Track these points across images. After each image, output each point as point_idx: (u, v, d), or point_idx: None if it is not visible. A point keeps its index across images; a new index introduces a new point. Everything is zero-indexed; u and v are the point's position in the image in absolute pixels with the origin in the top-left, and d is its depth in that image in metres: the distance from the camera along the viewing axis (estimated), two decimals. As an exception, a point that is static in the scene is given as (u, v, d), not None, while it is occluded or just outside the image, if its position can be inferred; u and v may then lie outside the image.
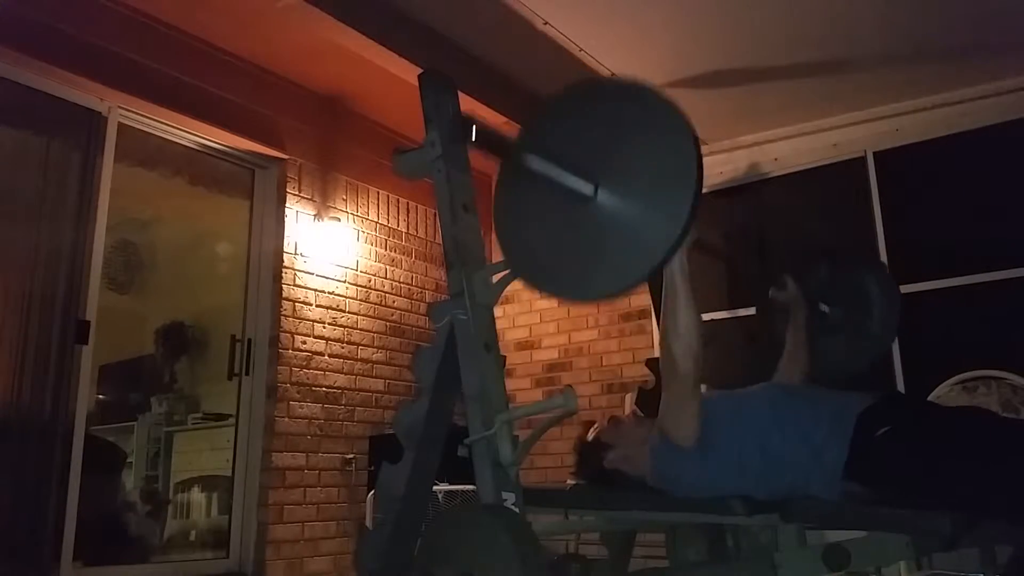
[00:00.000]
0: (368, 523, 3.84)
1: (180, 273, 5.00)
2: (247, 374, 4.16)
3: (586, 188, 1.44)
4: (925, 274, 4.16)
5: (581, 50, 3.83)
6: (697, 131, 1.40)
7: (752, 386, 2.07)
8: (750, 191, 4.85)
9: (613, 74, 4.05)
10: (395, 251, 4.97)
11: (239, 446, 4.10)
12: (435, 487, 3.61)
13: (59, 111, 3.52)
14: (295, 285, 4.29)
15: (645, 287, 3.97)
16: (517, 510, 1.55)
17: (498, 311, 1.77)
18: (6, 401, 3.21)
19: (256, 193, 4.40)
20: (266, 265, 4.27)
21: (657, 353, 1.90)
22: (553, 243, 1.52)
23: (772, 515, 1.78)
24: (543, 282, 1.57)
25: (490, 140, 1.48)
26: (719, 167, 4.90)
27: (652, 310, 4.77)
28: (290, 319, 4.22)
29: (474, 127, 1.38)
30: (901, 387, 4.11)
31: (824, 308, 2.43)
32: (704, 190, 4.92)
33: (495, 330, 1.73)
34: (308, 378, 4.26)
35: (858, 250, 2.77)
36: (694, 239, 1.70)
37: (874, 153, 4.43)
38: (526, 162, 1.44)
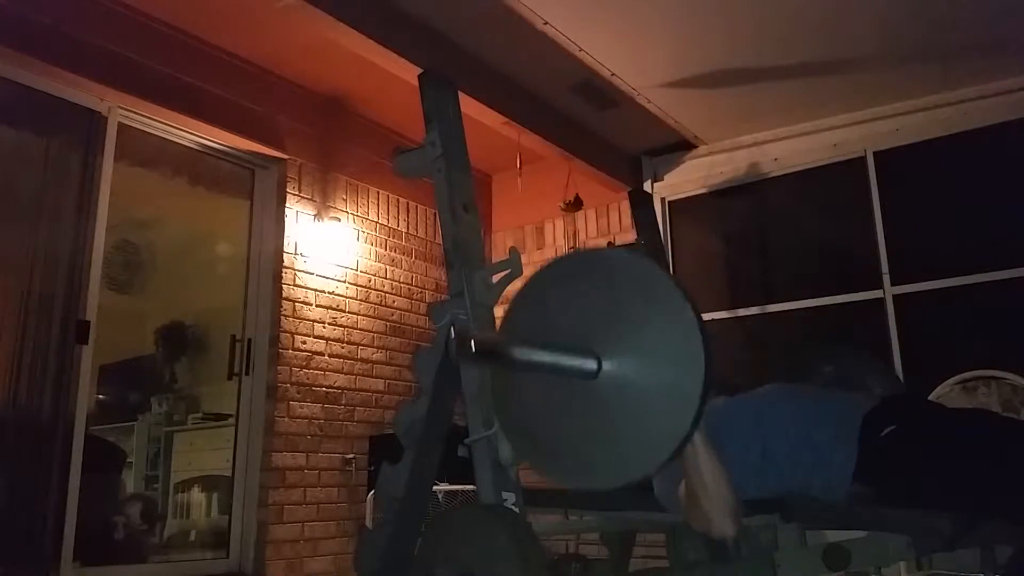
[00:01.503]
0: (368, 523, 3.84)
1: (180, 273, 5.01)
2: (247, 374, 4.16)
3: (588, 365, 1.33)
4: (925, 274, 4.15)
5: (581, 50, 3.83)
6: (694, 303, 1.28)
7: (757, 388, 2.07)
8: (750, 191, 4.84)
9: (613, 74, 4.05)
10: (395, 251, 4.97)
11: (239, 446, 4.10)
12: (435, 487, 3.61)
13: (59, 111, 3.52)
14: (295, 285, 4.29)
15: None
16: (517, 510, 1.55)
17: (498, 311, 1.76)
18: (6, 401, 3.21)
19: (256, 193, 4.40)
20: (266, 265, 4.27)
21: None
22: (560, 426, 1.40)
23: (772, 515, 1.78)
24: (554, 471, 1.44)
25: (490, 351, 1.38)
26: (719, 167, 4.90)
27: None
28: (290, 319, 4.22)
29: (472, 342, 1.29)
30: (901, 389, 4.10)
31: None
32: (704, 190, 4.94)
33: (495, 330, 1.73)
34: (308, 378, 4.26)
35: (859, 351, 2.76)
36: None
37: (874, 153, 4.43)
38: (520, 358, 1.34)
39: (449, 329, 1.74)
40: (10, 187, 3.44)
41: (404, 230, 5.06)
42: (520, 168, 4.46)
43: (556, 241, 5.42)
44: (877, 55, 3.91)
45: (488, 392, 1.62)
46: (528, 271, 1.57)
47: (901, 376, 4.12)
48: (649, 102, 4.37)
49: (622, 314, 1.36)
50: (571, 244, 5.20)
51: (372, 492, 3.87)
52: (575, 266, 1.51)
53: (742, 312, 4.70)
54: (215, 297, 4.82)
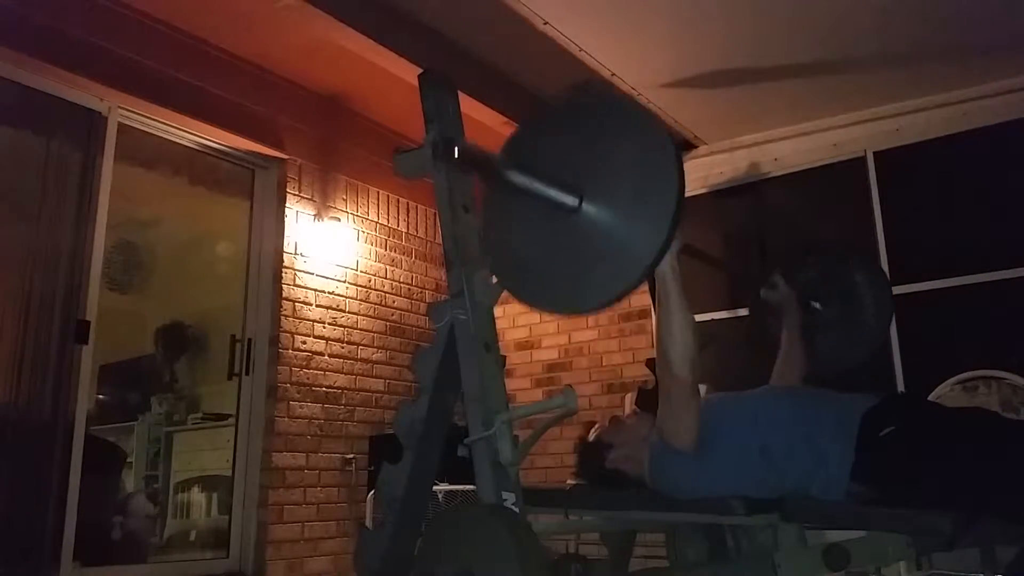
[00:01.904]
0: (368, 523, 3.84)
1: (180, 273, 5.00)
2: (247, 374, 4.16)
3: (570, 200, 1.45)
4: (925, 274, 4.15)
5: (581, 50, 3.83)
6: (674, 137, 1.42)
7: (754, 389, 2.07)
8: (750, 191, 4.85)
9: (613, 74, 4.06)
10: (395, 251, 4.97)
11: (239, 446, 4.10)
12: (435, 487, 3.61)
13: (59, 111, 3.52)
14: (295, 285, 4.29)
15: (645, 287, 3.97)
16: (517, 510, 1.55)
17: (498, 311, 1.76)
18: (6, 401, 3.21)
19: (256, 193, 4.40)
20: (266, 265, 4.28)
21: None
22: (541, 257, 1.53)
23: (772, 515, 1.78)
24: (534, 297, 1.58)
25: (473, 158, 1.49)
26: (719, 167, 4.90)
27: (652, 310, 4.77)
28: (290, 319, 4.22)
29: (456, 147, 1.39)
30: (901, 387, 4.10)
31: (816, 305, 2.43)
32: (704, 190, 4.93)
33: (495, 330, 1.73)
34: (308, 378, 4.26)
35: (846, 245, 2.77)
36: (681, 245, 1.69)
37: (874, 153, 4.43)
38: (509, 178, 1.44)
39: (450, 330, 1.73)
40: (10, 187, 3.44)
41: (404, 230, 5.06)
42: (520, 168, 4.45)
43: (556, 241, 5.41)
44: (877, 55, 3.91)
45: (488, 392, 1.62)
46: (528, 271, 1.61)
47: (901, 376, 4.12)
48: (649, 102, 4.37)
49: (604, 153, 1.47)
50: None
51: (372, 492, 3.88)
52: (553, 115, 1.64)
53: (742, 312, 4.69)
54: (215, 297, 4.82)
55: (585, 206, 1.44)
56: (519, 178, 1.45)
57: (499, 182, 1.48)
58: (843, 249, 2.70)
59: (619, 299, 1.45)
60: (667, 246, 1.36)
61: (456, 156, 1.41)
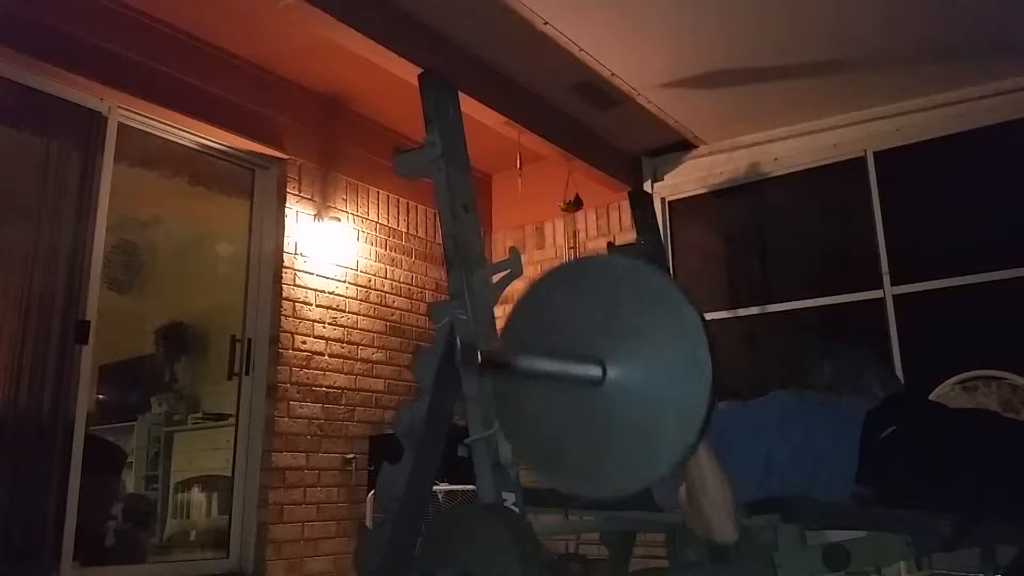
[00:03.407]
0: (368, 523, 3.84)
1: (180, 273, 5.01)
2: (247, 374, 4.16)
3: (593, 372, 1.32)
4: (925, 274, 4.15)
5: (581, 50, 3.83)
6: (705, 323, 1.26)
7: (761, 397, 2.06)
8: (750, 191, 4.85)
9: (613, 74, 4.05)
10: (395, 251, 4.97)
11: (239, 446, 4.10)
12: (435, 487, 3.61)
13: (59, 111, 3.52)
14: (295, 285, 4.29)
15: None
16: (517, 510, 1.55)
17: (498, 311, 1.76)
18: (6, 401, 3.21)
19: (256, 193, 4.40)
20: (266, 265, 4.27)
21: None
22: (565, 434, 1.39)
23: (772, 515, 1.78)
24: (558, 478, 1.44)
25: (496, 364, 1.38)
26: (719, 167, 4.90)
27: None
28: (290, 319, 4.22)
29: (479, 354, 1.29)
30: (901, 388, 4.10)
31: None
32: (704, 190, 4.93)
33: (495, 330, 1.73)
34: (308, 378, 4.26)
35: (860, 349, 2.76)
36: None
37: (874, 153, 4.43)
38: (534, 371, 1.32)
39: (450, 330, 1.74)
40: (10, 187, 3.44)
41: (404, 230, 5.06)
42: (520, 168, 4.46)
43: (556, 241, 5.42)
44: (877, 55, 3.91)
45: (489, 396, 1.62)
46: (528, 271, 1.58)
47: (901, 376, 4.12)
48: (649, 102, 4.37)
49: (626, 321, 1.35)
50: (571, 244, 5.20)
51: (372, 492, 3.88)
52: (577, 272, 1.50)
53: (742, 312, 4.70)
54: (215, 297, 4.82)
55: (609, 379, 1.32)
56: (543, 367, 1.32)
57: (520, 378, 1.36)
58: (856, 351, 2.69)
59: (652, 483, 1.35)
60: (699, 443, 1.25)
61: (480, 366, 1.30)
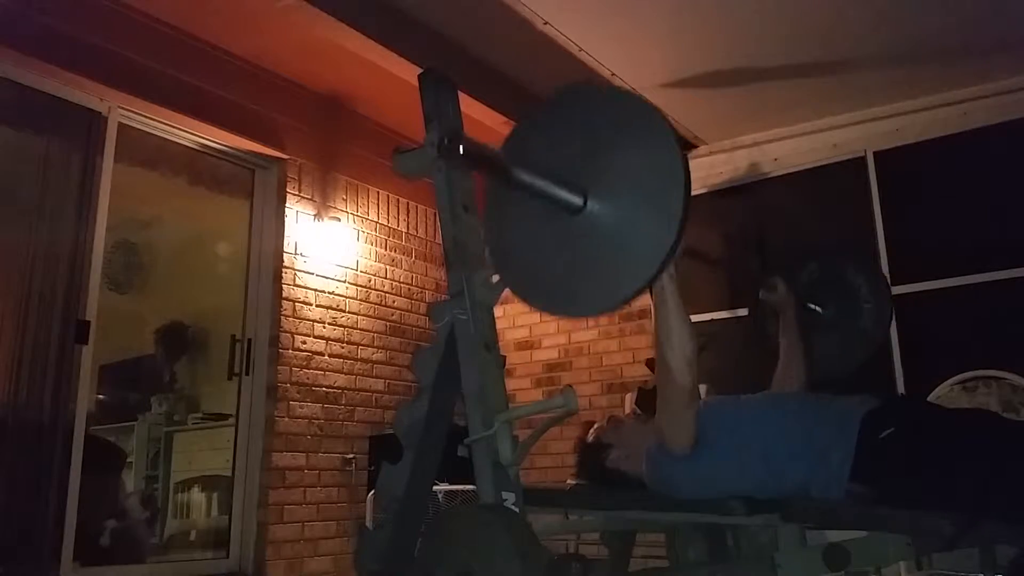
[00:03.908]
0: (368, 523, 3.84)
1: (180, 273, 5.00)
2: (247, 374, 4.16)
3: (575, 199, 1.41)
4: (925, 274, 4.15)
5: (581, 50, 3.83)
6: (679, 136, 1.38)
7: (755, 393, 2.07)
8: (750, 191, 4.85)
9: (613, 74, 4.05)
10: (395, 251, 4.97)
11: (239, 446, 4.10)
12: (435, 487, 3.61)
13: (59, 111, 3.52)
14: (295, 285, 4.29)
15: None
16: (517, 510, 1.55)
17: (498, 311, 1.76)
18: (6, 401, 3.21)
19: (256, 193, 4.40)
20: (266, 265, 4.27)
21: None
22: (544, 258, 1.49)
23: (772, 515, 1.78)
24: (536, 298, 1.54)
25: (479, 155, 1.45)
26: (719, 167, 4.90)
27: (652, 311, 4.77)
28: (290, 319, 4.22)
29: (461, 143, 1.35)
30: (901, 387, 4.10)
31: (814, 307, 2.43)
32: (704, 190, 4.93)
33: (495, 330, 1.72)
34: (308, 378, 4.26)
35: (845, 247, 2.77)
36: (684, 248, 1.66)
37: (874, 153, 4.43)
38: (515, 176, 1.41)
39: (450, 330, 1.73)
40: (10, 187, 3.44)
41: (404, 230, 5.06)
42: (520, 168, 4.45)
43: (556, 241, 5.41)
44: (877, 55, 3.91)
45: (488, 392, 1.62)
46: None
47: (901, 376, 4.12)
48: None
49: (606, 148, 1.43)
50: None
51: (372, 492, 3.88)
52: (560, 104, 1.58)
53: (742, 312, 4.69)
54: (215, 297, 4.82)
55: (590, 206, 1.41)
56: (525, 177, 1.41)
57: (505, 180, 1.45)
58: (843, 251, 2.71)
59: (623, 304, 1.44)
60: (674, 252, 1.33)
61: (461, 152, 1.38)
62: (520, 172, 1.41)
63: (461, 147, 1.35)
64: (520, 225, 1.53)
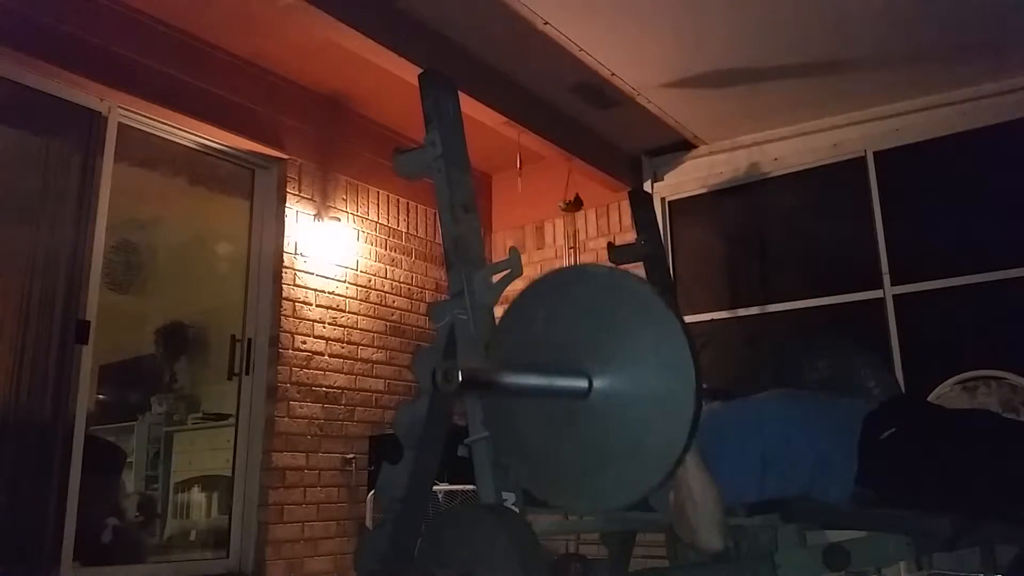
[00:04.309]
0: (368, 523, 3.85)
1: (180, 273, 5.00)
2: (247, 374, 4.16)
3: (579, 384, 1.32)
4: (925, 274, 4.15)
5: (581, 50, 3.83)
6: (686, 329, 1.27)
7: (757, 394, 2.07)
8: (750, 191, 4.85)
9: (613, 74, 4.05)
10: (395, 251, 4.97)
11: (239, 446, 4.10)
12: (435, 487, 3.61)
13: (59, 111, 3.51)
14: (295, 285, 4.29)
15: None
16: (517, 510, 1.55)
17: (498, 311, 1.76)
18: (6, 401, 3.21)
19: (256, 193, 4.40)
20: (266, 265, 4.27)
21: None
22: (555, 448, 1.40)
23: (772, 515, 1.78)
24: (552, 494, 1.46)
25: (478, 383, 1.37)
26: (719, 167, 4.90)
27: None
28: (290, 319, 4.22)
29: (459, 373, 1.28)
30: (901, 388, 4.10)
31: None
32: (704, 190, 4.93)
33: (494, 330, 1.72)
34: (308, 378, 4.26)
35: (854, 346, 2.77)
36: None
37: (874, 153, 4.43)
38: (515, 390, 1.34)
39: (450, 330, 1.73)
40: (10, 187, 3.44)
41: (404, 230, 5.06)
42: (520, 168, 4.46)
43: (556, 241, 5.42)
44: (877, 55, 3.91)
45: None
46: (528, 271, 1.57)
47: (901, 376, 4.12)
48: (649, 102, 4.37)
49: (609, 330, 1.35)
50: (571, 244, 5.20)
51: (372, 492, 3.88)
52: (558, 284, 1.51)
53: (742, 312, 4.70)
54: (215, 297, 4.82)
55: (596, 387, 1.32)
56: (525, 382, 1.34)
57: (507, 395, 1.38)
58: (854, 349, 2.69)
59: (643, 497, 1.35)
60: (690, 444, 1.25)
61: (461, 385, 1.30)
62: (519, 379, 1.33)
63: (460, 377, 1.27)
64: (525, 414, 1.44)
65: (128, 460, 4.59)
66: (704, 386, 1.25)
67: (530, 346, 1.40)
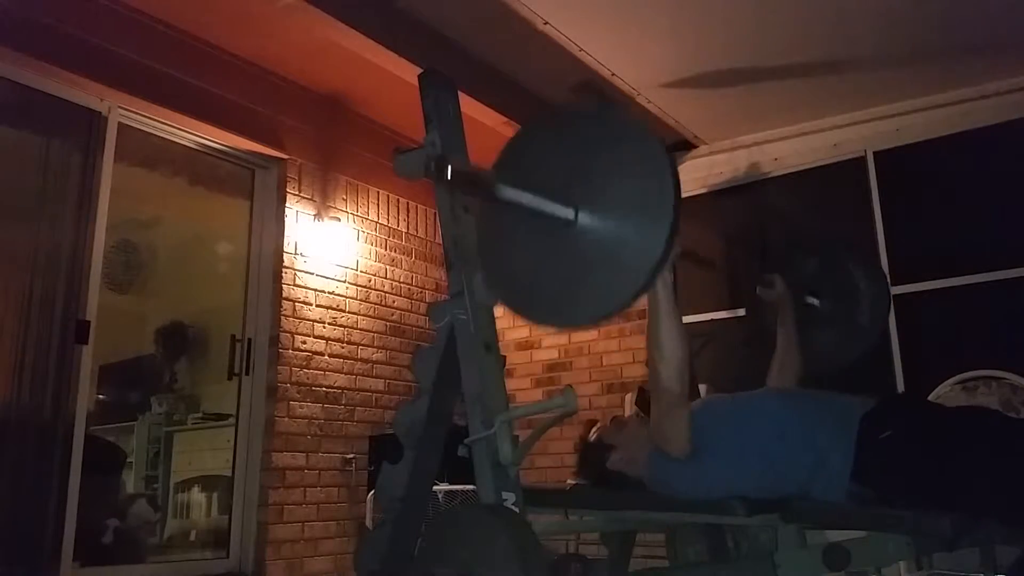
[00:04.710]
0: (368, 523, 3.85)
1: (180, 273, 5.01)
2: (247, 374, 4.16)
3: (565, 213, 1.41)
4: (925, 274, 4.15)
5: (581, 50, 3.83)
6: (666, 144, 1.38)
7: (753, 390, 2.07)
8: (750, 191, 4.85)
9: (613, 74, 4.06)
10: (395, 251, 4.97)
11: (239, 446, 4.10)
12: (435, 487, 3.61)
13: (59, 111, 3.52)
14: (295, 285, 4.29)
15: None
16: (517, 510, 1.55)
17: (498, 311, 1.76)
18: (6, 401, 3.21)
19: (256, 193, 4.40)
20: (266, 265, 4.27)
21: None
22: (537, 271, 1.50)
23: (772, 515, 1.78)
24: (529, 310, 1.54)
25: (466, 178, 1.45)
26: (719, 167, 4.90)
27: (652, 310, 4.76)
28: (290, 319, 4.22)
29: (449, 167, 1.35)
30: (901, 387, 4.10)
31: (812, 301, 2.44)
32: (704, 190, 4.92)
33: (495, 330, 1.73)
34: (308, 378, 4.26)
35: (844, 242, 2.78)
36: (679, 252, 1.66)
37: (874, 153, 4.43)
38: (504, 195, 1.41)
39: (450, 330, 1.73)
40: (10, 187, 3.44)
41: (404, 230, 5.06)
42: (520, 168, 4.45)
43: (556, 241, 5.41)
44: (877, 55, 3.91)
45: (488, 392, 1.62)
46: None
47: (901, 376, 4.12)
48: (649, 102, 4.37)
49: (597, 164, 1.44)
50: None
51: (372, 492, 3.88)
52: (553, 119, 1.60)
53: (742, 312, 4.70)
54: (215, 297, 4.82)
55: (580, 219, 1.42)
56: (514, 195, 1.42)
57: (494, 200, 1.45)
58: (841, 245, 2.71)
59: (612, 316, 1.44)
60: (664, 260, 1.32)
61: (449, 177, 1.38)
62: (508, 191, 1.41)
63: (449, 169, 1.35)
64: (512, 239, 1.54)
65: (128, 460, 4.60)
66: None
67: (524, 178, 1.47)
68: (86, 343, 3.44)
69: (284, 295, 4.22)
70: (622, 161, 1.42)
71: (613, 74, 4.06)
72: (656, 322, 1.75)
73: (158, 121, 3.89)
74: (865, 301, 2.43)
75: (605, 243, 1.40)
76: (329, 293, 4.47)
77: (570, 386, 1.56)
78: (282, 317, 4.19)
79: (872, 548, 1.81)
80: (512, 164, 1.57)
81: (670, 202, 1.31)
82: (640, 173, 1.39)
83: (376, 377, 4.65)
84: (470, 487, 3.25)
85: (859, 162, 4.46)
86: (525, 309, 1.53)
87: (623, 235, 1.39)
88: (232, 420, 4.17)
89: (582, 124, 1.53)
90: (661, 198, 1.33)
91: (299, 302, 4.29)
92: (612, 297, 1.38)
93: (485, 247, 1.62)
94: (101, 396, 4.27)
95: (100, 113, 3.64)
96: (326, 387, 4.36)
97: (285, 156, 4.37)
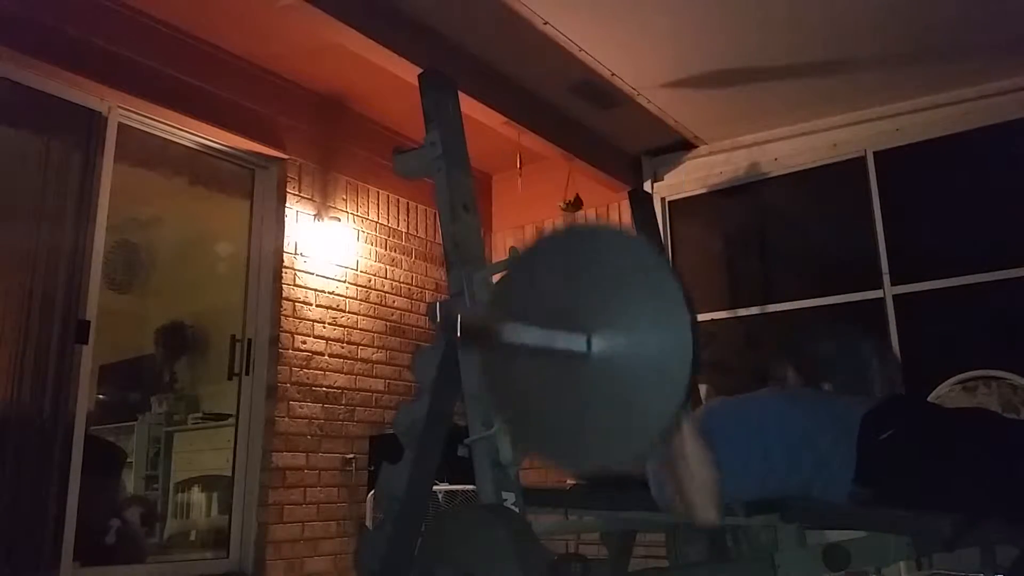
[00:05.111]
0: (368, 523, 3.85)
1: (180, 273, 5.00)
2: (247, 374, 4.16)
3: (578, 344, 1.33)
4: (925, 274, 4.15)
5: (581, 50, 3.83)
6: (685, 291, 1.27)
7: (755, 392, 2.07)
8: (750, 191, 4.85)
9: (613, 74, 4.05)
10: (395, 251, 4.97)
11: (239, 446, 4.10)
12: (435, 487, 3.61)
13: (59, 111, 3.51)
14: (295, 285, 4.29)
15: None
16: (517, 510, 1.55)
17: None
18: (6, 401, 3.21)
19: (256, 193, 4.40)
20: (266, 265, 4.27)
21: None
22: (550, 406, 1.41)
23: (772, 515, 1.78)
24: (542, 450, 1.49)
25: (475, 332, 1.38)
26: (719, 167, 4.90)
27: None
28: (290, 319, 4.22)
29: (459, 324, 1.29)
30: (901, 387, 4.10)
31: (825, 387, 2.43)
32: (704, 190, 4.93)
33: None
34: (308, 378, 4.26)
35: (858, 327, 2.75)
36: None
37: (874, 153, 4.43)
38: (517, 340, 1.35)
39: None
40: (10, 187, 3.44)
41: (404, 230, 5.06)
42: (520, 168, 4.46)
43: (556, 241, 5.41)
44: (877, 55, 3.91)
45: (485, 390, 1.62)
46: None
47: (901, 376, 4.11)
48: (649, 102, 4.37)
49: (612, 293, 1.37)
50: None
51: (372, 492, 3.88)
52: (566, 242, 1.52)
53: (742, 312, 4.70)
54: (215, 297, 4.82)
55: (594, 351, 1.33)
56: (523, 336, 1.35)
57: (507, 350, 1.38)
58: (858, 332, 2.68)
59: (622, 464, 1.39)
60: (689, 395, 1.26)
61: (459, 334, 1.31)
62: (517, 332, 1.35)
63: (459, 326, 1.29)
64: (524, 371, 1.45)
65: (128, 460, 4.60)
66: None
67: (533, 303, 1.41)
68: (86, 343, 3.44)
69: (284, 295, 4.22)
70: (637, 289, 1.34)
71: (613, 74, 4.06)
72: (681, 450, 1.64)
73: (158, 121, 3.89)
74: (876, 381, 2.43)
75: (621, 378, 1.32)
76: (329, 293, 4.47)
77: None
78: (282, 317, 4.19)
79: (872, 548, 1.81)
80: (516, 290, 1.49)
81: (688, 340, 1.24)
82: (657, 306, 1.31)
83: (376, 377, 4.65)
84: (470, 487, 3.25)
85: (859, 162, 4.46)
86: (545, 452, 1.47)
87: (638, 373, 1.31)
88: (232, 420, 4.17)
89: (595, 247, 1.45)
90: (679, 326, 1.25)
91: (299, 302, 4.29)
92: (624, 445, 1.32)
93: (496, 380, 1.52)
94: (101, 396, 4.28)
95: (100, 113, 3.64)
96: (326, 387, 4.36)
97: (285, 156, 4.37)
